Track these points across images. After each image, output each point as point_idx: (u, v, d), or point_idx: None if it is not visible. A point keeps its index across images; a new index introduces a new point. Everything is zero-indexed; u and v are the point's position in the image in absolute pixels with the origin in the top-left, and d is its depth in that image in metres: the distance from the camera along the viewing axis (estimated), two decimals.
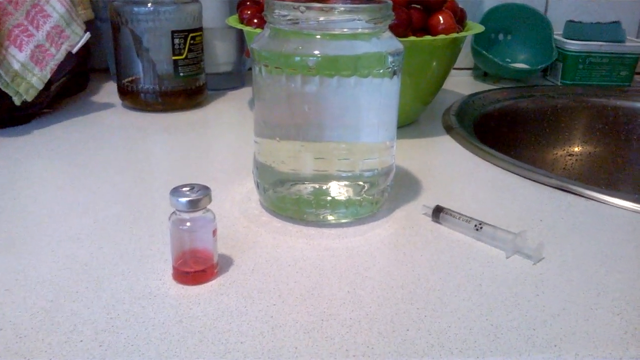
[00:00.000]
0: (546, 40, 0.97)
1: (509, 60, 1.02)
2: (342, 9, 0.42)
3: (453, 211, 0.46)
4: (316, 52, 0.41)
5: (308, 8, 0.41)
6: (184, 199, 0.36)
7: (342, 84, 0.41)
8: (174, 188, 0.36)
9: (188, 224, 0.37)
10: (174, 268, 0.38)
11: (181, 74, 0.74)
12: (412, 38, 0.60)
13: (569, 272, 0.40)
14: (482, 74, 1.02)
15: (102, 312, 0.34)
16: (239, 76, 0.90)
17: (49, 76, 0.66)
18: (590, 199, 0.52)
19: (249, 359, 0.31)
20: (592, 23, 0.95)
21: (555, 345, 0.32)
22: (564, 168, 0.95)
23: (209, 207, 0.37)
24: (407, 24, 0.60)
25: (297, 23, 0.41)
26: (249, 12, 0.71)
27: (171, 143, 0.66)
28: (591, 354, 0.32)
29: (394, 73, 0.44)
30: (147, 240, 0.43)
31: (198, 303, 0.36)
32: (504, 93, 0.91)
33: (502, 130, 0.88)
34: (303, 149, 0.44)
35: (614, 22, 0.94)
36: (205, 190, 0.37)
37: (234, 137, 0.69)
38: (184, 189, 0.36)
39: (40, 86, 0.65)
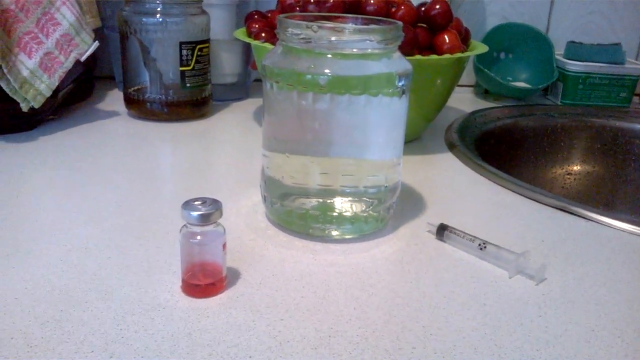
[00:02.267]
0: (547, 60, 0.99)
1: (510, 79, 1.03)
2: (353, 29, 0.43)
3: (457, 230, 0.47)
4: (327, 70, 0.42)
5: (320, 27, 0.41)
6: (195, 213, 0.36)
7: (352, 102, 0.42)
8: (186, 201, 0.37)
9: (199, 237, 0.37)
10: (183, 280, 0.38)
11: (188, 85, 0.75)
12: (418, 57, 0.61)
13: (570, 293, 0.41)
14: (483, 92, 1.03)
15: (112, 323, 0.35)
16: (244, 88, 0.91)
17: (57, 83, 0.66)
18: (589, 219, 0.52)
19: None
20: (592, 44, 0.96)
21: None
22: (562, 187, 0.96)
23: (219, 221, 0.38)
24: (414, 43, 0.61)
25: (310, 42, 0.42)
26: (256, 25, 0.72)
27: (177, 153, 0.66)
28: None
29: (403, 92, 0.45)
30: (154, 251, 0.43)
31: (207, 316, 0.36)
32: (505, 111, 0.92)
33: (502, 148, 0.89)
34: (312, 164, 0.45)
35: (614, 44, 0.96)
36: (217, 204, 0.37)
37: (238, 149, 0.69)
38: (196, 202, 0.37)
39: (48, 93, 0.66)
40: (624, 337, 0.36)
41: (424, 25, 0.66)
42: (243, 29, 0.74)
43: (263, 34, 0.69)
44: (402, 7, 0.64)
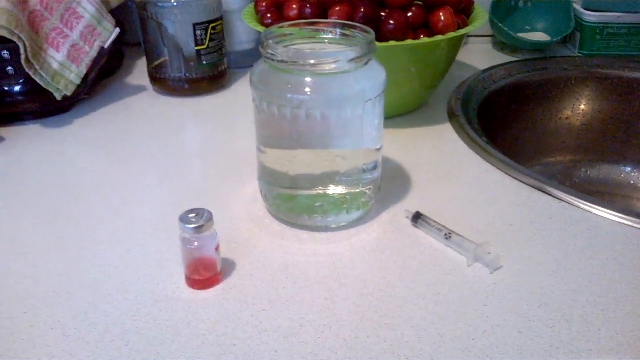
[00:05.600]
0: (566, 9, 0.98)
1: (529, 28, 1.02)
2: (329, 50, 0.47)
3: (429, 218, 0.52)
4: (307, 89, 0.47)
5: (298, 51, 0.46)
6: (190, 226, 0.43)
7: (326, 114, 0.47)
8: (182, 215, 0.44)
9: (196, 243, 0.45)
10: (186, 275, 0.46)
11: (204, 62, 0.80)
12: (410, 42, 0.64)
13: (519, 282, 0.46)
14: (500, 42, 1.04)
15: (129, 314, 0.43)
16: (259, 53, 0.95)
17: (85, 71, 0.73)
18: (562, 200, 0.57)
19: None
20: None
21: (488, 356, 0.39)
22: (577, 137, 0.98)
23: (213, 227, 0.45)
24: (405, 28, 0.64)
25: (287, 63, 0.47)
26: (264, 4, 0.75)
27: (197, 134, 0.74)
28: None
29: (378, 96, 0.49)
30: (167, 243, 0.51)
31: (204, 307, 0.44)
32: (517, 67, 0.93)
33: (513, 106, 0.91)
34: (294, 158, 0.50)
35: None
36: (209, 215, 0.44)
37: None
38: (191, 215, 0.44)
39: (78, 81, 0.73)
40: (555, 328, 0.42)
41: (420, 3, 0.68)
42: (251, 7, 0.78)
43: (269, 15, 0.73)
44: None
